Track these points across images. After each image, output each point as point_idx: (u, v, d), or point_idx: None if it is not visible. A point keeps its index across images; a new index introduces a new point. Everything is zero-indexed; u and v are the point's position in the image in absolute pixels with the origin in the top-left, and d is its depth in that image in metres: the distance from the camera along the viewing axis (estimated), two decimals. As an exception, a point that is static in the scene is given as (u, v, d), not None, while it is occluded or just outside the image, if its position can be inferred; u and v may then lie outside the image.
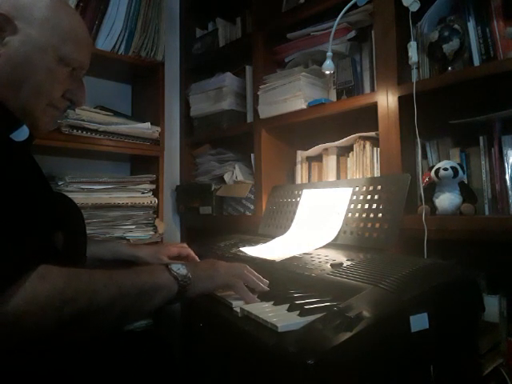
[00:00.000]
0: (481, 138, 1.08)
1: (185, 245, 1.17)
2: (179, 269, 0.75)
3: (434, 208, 1.06)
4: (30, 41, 0.74)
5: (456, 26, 1.06)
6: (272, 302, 0.75)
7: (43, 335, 0.58)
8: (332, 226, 1.11)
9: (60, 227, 0.74)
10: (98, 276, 0.66)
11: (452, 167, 1.03)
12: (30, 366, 0.63)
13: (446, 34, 1.06)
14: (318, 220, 1.18)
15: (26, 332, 0.57)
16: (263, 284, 0.84)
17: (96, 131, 1.49)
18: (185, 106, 1.94)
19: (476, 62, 1.07)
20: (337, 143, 1.40)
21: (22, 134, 0.76)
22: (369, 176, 1.27)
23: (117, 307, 0.65)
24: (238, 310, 0.73)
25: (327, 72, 1.27)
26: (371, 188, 1.07)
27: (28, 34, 0.74)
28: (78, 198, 1.43)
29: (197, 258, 1.13)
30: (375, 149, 1.28)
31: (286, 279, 0.89)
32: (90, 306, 0.62)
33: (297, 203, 1.29)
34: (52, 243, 0.71)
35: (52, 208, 0.74)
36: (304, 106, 1.38)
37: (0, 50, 0.72)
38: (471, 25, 1.08)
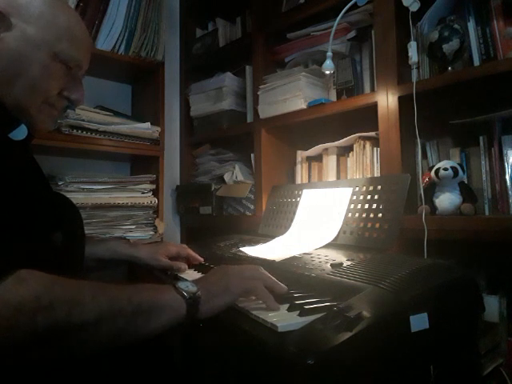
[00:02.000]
0: (481, 138, 1.08)
1: (184, 245, 1.16)
2: (187, 286, 0.66)
3: (434, 208, 1.06)
4: (25, 37, 0.74)
5: (456, 25, 1.06)
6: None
7: (16, 345, 0.53)
8: (332, 226, 1.11)
9: (58, 228, 0.74)
10: (88, 287, 0.59)
11: (452, 167, 1.03)
12: (29, 365, 0.62)
13: (446, 34, 1.06)
14: (317, 220, 1.18)
15: None
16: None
17: (96, 131, 1.49)
18: (185, 106, 1.94)
19: (476, 62, 1.07)
20: (337, 143, 1.40)
21: (20, 132, 0.75)
22: (369, 176, 1.27)
23: (106, 326, 0.57)
24: (239, 309, 0.72)
25: (327, 72, 1.27)
26: (371, 188, 1.07)
27: (23, 30, 0.74)
28: (78, 197, 1.44)
29: (197, 257, 1.11)
30: (375, 149, 1.28)
31: (286, 279, 0.89)
32: (69, 319, 0.54)
33: (297, 203, 1.29)
34: (50, 244, 0.71)
35: (51, 208, 0.74)
36: (304, 106, 1.38)
37: None
38: (471, 25, 1.08)
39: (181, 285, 0.66)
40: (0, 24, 0.72)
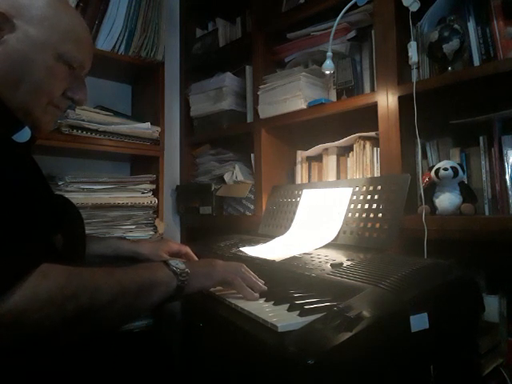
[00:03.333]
0: (481, 138, 1.08)
1: (183, 245, 1.18)
2: (177, 264, 0.76)
3: (434, 208, 1.06)
4: (28, 39, 0.74)
5: (456, 25, 1.06)
6: (272, 302, 0.75)
7: (48, 333, 0.59)
8: (332, 225, 1.11)
9: (59, 229, 0.74)
10: (100, 273, 0.66)
11: (452, 167, 1.03)
12: (30, 365, 0.63)
13: (446, 34, 1.06)
14: (317, 220, 1.18)
15: (29, 330, 0.57)
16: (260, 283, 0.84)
17: (96, 131, 1.49)
18: (185, 105, 1.94)
19: (476, 62, 1.07)
20: (337, 143, 1.40)
21: (24, 135, 0.76)
22: (369, 176, 1.27)
23: (118, 304, 0.66)
24: (239, 309, 0.73)
25: (327, 72, 1.27)
26: (371, 188, 1.07)
27: (26, 32, 0.74)
28: (78, 197, 1.44)
29: (195, 258, 1.14)
30: (375, 149, 1.28)
31: (286, 279, 0.89)
32: (91, 303, 0.62)
33: (297, 203, 1.29)
34: (52, 245, 0.71)
35: (52, 210, 0.74)
36: (304, 106, 1.38)
37: None
38: (471, 25, 1.08)
39: (172, 262, 0.76)
40: (3, 26, 0.72)
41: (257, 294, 0.81)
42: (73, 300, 0.60)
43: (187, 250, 1.15)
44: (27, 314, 0.56)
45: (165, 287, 0.72)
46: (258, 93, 1.52)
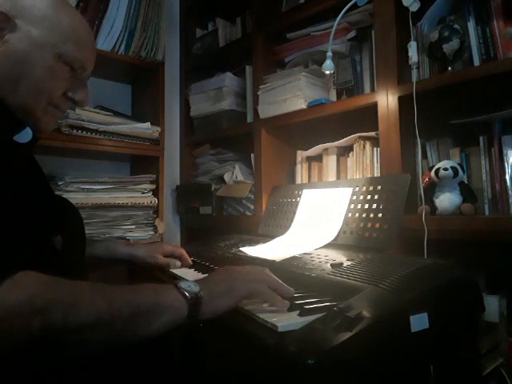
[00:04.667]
0: (481, 138, 1.08)
1: (178, 245, 1.18)
2: (189, 286, 0.64)
3: (434, 208, 1.06)
4: (30, 38, 0.74)
5: (456, 25, 1.06)
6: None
7: (12, 349, 0.52)
8: (332, 225, 1.11)
9: (59, 231, 0.74)
10: (86, 289, 0.58)
11: (452, 167, 1.03)
12: (28, 365, 0.62)
13: (446, 34, 1.06)
14: (317, 220, 1.18)
15: None
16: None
17: (96, 131, 1.49)
18: (185, 106, 1.94)
19: (476, 62, 1.07)
20: (337, 143, 1.40)
21: (25, 135, 0.76)
22: (369, 176, 1.27)
23: (103, 328, 0.56)
24: (239, 309, 0.72)
25: (327, 72, 1.27)
26: (371, 188, 1.07)
27: (27, 32, 0.74)
28: (78, 198, 1.44)
29: (189, 260, 1.14)
30: (375, 149, 1.28)
31: (286, 279, 0.89)
32: (65, 321, 0.53)
33: (297, 203, 1.29)
34: (52, 246, 0.71)
35: (52, 212, 0.74)
36: (304, 106, 1.38)
37: (0, 48, 0.72)
38: (471, 25, 1.08)
39: (183, 284, 0.64)
40: (4, 26, 0.73)
41: (287, 302, 0.68)
42: (42, 315, 0.51)
43: (181, 252, 1.15)
44: None
45: (171, 314, 0.61)
46: (258, 93, 1.52)
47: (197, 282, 0.67)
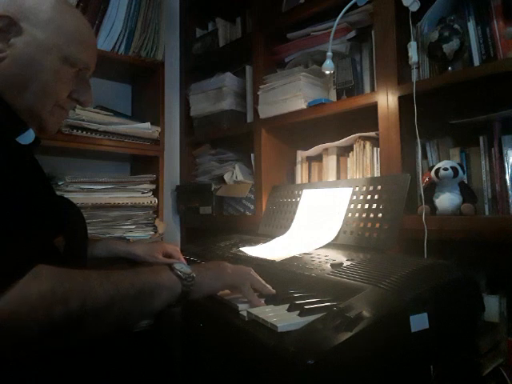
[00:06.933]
0: (481, 138, 1.08)
1: (177, 248, 1.18)
2: (182, 267, 0.72)
3: (433, 208, 1.06)
4: (35, 42, 0.75)
5: (456, 25, 1.06)
6: (272, 302, 0.75)
7: (35, 336, 0.56)
8: (332, 226, 1.11)
9: (62, 231, 0.74)
10: (95, 276, 0.63)
11: (452, 167, 1.03)
12: (29, 365, 0.63)
13: (446, 34, 1.06)
14: (318, 220, 1.18)
15: (18, 333, 0.55)
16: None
17: (96, 131, 1.49)
18: (185, 105, 1.94)
19: (476, 62, 1.07)
20: (337, 143, 1.40)
21: (28, 137, 0.76)
22: (369, 176, 1.27)
23: (115, 309, 0.62)
24: (245, 314, 0.72)
25: (327, 72, 1.27)
26: (371, 188, 1.07)
27: (33, 35, 0.74)
28: (78, 198, 1.44)
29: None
30: (375, 149, 1.28)
31: (286, 279, 0.89)
32: (83, 307, 0.59)
33: (297, 203, 1.29)
34: (54, 246, 0.71)
35: (54, 212, 0.74)
36: (304, 106, 1.38)
37: (6, 51, 0.73)
38: (471, 25, 1.08)
39: (176, 266, 0.72)
40: (10, 29, 0.73)
41: (263, 301, 0.76)
42: (62, 304, 0.57)
43: (179, 255, 1.15)
44: (16, 316, 0.54)
45: (168, 292, 0.69)
46: (258, 93, 1.52)
47: (189, 265, 0.75)
